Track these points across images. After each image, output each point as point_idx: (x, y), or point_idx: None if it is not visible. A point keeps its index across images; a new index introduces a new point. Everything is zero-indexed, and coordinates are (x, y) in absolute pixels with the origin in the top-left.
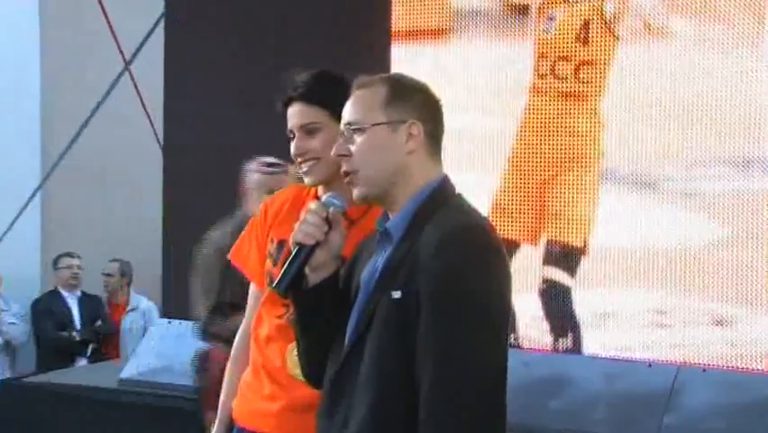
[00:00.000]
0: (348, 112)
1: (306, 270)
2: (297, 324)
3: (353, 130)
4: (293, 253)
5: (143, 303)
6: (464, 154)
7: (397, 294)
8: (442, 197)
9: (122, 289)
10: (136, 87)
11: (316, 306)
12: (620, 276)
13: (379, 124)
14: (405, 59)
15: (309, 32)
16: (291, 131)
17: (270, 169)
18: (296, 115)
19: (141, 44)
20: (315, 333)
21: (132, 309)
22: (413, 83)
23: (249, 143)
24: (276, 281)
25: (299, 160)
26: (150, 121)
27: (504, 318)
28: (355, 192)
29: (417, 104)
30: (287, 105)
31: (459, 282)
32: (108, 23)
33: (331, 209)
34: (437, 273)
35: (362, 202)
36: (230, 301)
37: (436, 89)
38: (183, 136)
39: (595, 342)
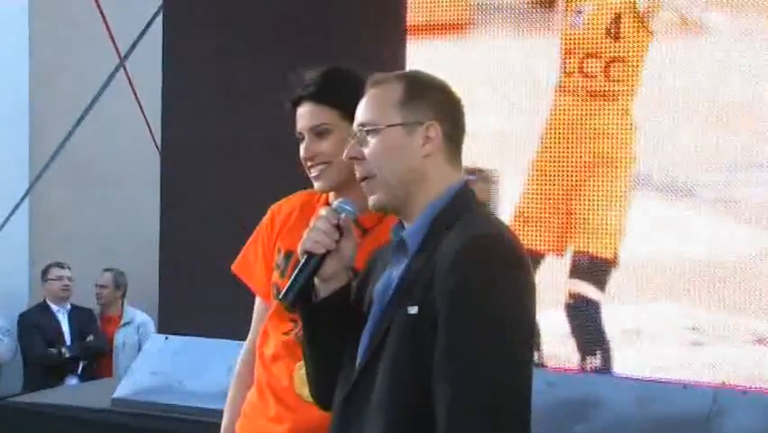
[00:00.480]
0: (361, 112)
1: (316, 281)
2: (306, 339)
3: (367, 131)
4: (301, 263)
5: (138, 317)
6: (484, 157)
7: (413, 309)
8: (461, 204)
9: (115, 301)
10: (131, 84)
11: (326, 320)
12: (654, 290)
13: (393, 125)
14: (420, 56)
15: (318, 27)
16: (300, 133)
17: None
18: (305, 115)
19: (138, 39)
20: (325, 349)
21: (127, 324)
22: (431, 81)
23: (254, 147)
24: (282, 292)
25: (309, 164)
26: (147, 121)
27: (526, 334)
28: (371, 200)
29: (435, 103)
30: (295, 104)
31: (475, 297)
32: (102, 15)
33: (342, 215)
34: (453, 288)
35: (379, 211)
36: None
37: (455, 88)
38: (182, 138)
39: (626, 361)
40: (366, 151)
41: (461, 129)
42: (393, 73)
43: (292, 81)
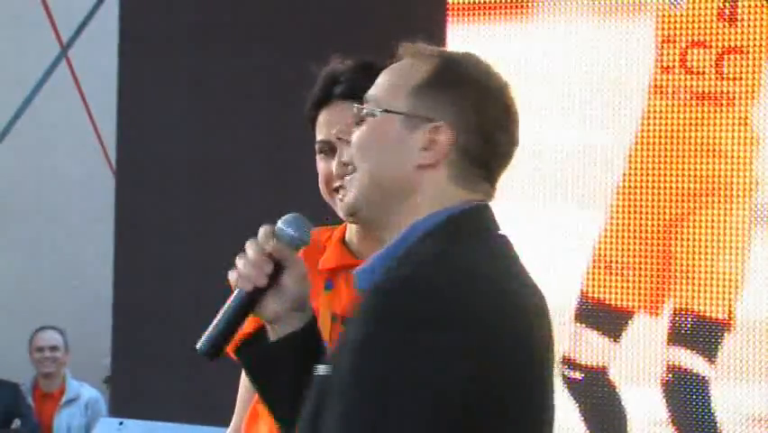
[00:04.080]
0: (374, 84)
1: (267, 325)
2: (259, 395)
3: (365, 110)
4: (228, 302)
5: (86, 392)
6: (551, 182)
7: (322, 369)
8: (447, 233)
9: (59, 370)
10: (76, 79)
11: (276, 372)
12: None
13: (393, 111)
14: (466, 43)
15: (330, 3)
16: (327, 142)
17: None
18: (338, 120)
19: (85, 20)
20: (285, 417)
21: (71, 401)
22: (475, 69)
23: (244, 168)
24: (200, 340)
25: (338, 183)
26: (97, 131)
27: (422, 424)
28: (345, 198)
29: (461, 100)
30: (320, 106)
31: (364, 366)
32: None
33: (271, 243)
34: (344, 348)
35: (350, 216)
36: None
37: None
38: (145, 155)
39: None
40: (354, 134)
41: (493, 147)
42: (437, 48)
43: (313, 76)
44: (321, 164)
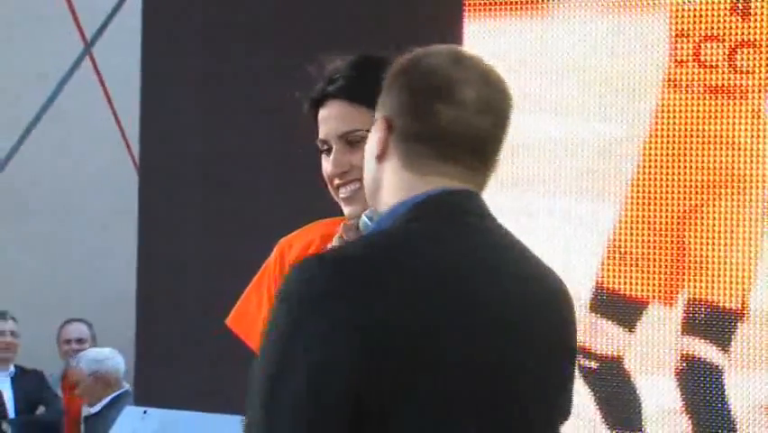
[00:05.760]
0: None
1: None
2: None
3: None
4: None
5: None
6: (566, 174)
7: None
8: (405, 222)
9: None
10: (100, 77)
11: None
12: None
13: (369, 128)
14: (483, 38)
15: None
16: (325, 141)
17: None
18: (333, 118)
19: (108, 18)
20: None
21: None
22: (412, 57)
23: (264, 164)
24: None
25: (337, 182)
26: (120, 126)
27: (283, 399)
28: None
29: (394, 87)
30: (317, 105)
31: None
32: None
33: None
34: None
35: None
36: None
37: (525, 80)
38: (169, 151)
39: None
40: None
41: (437, 121)
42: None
43: (311, 74)
44: (323, 163)
